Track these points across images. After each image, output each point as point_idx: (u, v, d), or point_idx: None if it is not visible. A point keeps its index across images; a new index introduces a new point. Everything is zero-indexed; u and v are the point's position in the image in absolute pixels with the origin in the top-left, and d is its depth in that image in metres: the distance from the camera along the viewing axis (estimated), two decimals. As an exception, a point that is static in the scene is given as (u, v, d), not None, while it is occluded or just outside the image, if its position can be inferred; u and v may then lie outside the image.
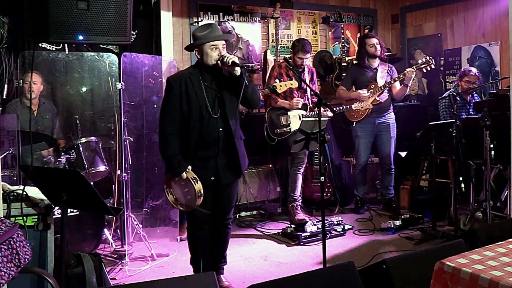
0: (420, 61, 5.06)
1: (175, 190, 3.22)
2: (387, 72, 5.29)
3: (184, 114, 3.17)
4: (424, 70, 5.06)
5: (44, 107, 4.52)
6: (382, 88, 5.15)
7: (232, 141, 3.23)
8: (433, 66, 5.00)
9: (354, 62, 6.40)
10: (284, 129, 4.98)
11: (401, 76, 5.07)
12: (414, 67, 5.05)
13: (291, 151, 4.96)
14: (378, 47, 5.25)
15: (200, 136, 3.17)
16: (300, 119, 4.91)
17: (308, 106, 5.09)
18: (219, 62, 3.13)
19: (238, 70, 3.09)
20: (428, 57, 5.01)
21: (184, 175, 3.12)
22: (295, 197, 5.09)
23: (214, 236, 3.41)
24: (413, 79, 5.19)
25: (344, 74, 5.85)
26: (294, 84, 4.84)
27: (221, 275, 3.52)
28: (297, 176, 5.11)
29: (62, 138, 4.48)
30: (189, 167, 3.14)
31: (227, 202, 3.38)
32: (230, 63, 3.07)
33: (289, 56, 5.31)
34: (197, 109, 3.15)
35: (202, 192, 3.08)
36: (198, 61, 3.26)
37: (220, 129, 3.20)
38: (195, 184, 3.07)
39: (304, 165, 5.17)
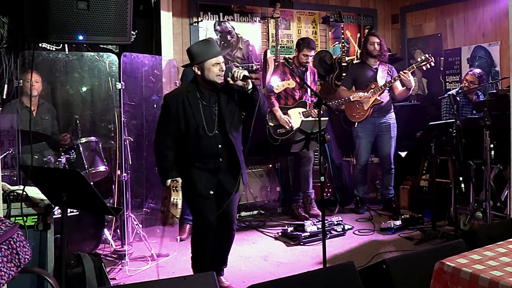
0: (419, 59, 5.06)
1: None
2: (387, 72, 5.30)
3: (182, 132, 3.20)
4: (424, 68, 5.06)
5: (43, 107, 4.52)
6: (383, 87, 5.16)
7: (233, 155, 3.25)
8: (432, 64, 5.00)
9: (355, 61, 6.42)
10: (287, 127, 5.02)
11: (396, 78, 5.08)
12: (407, 68, 5.09)
13: (291, 151, 4.99)
14: (377, 47, 5.25)
15: (199, 152, 3.21)
16: (300, 117, 4.95)
17: (307, 103, 5.11)
18: (229, 79, 3.13)
19: (250, 83, 3.12)
20: (427, 55, 5.01)
21: (169, 182, 3.15)
22: (309, 193, 5.27)
23: (218, 239, 3.41)
24: (415, 78, 5.20)
25: (344, 74, 5.85)
26: (292, 84, 4.86)
27: (221, 276, 3.52)
28: (308, 174, 5.24)
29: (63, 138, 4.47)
30: (179, 179, 3.17)
31: (230, 211, 3.37)
32: (241, 77, 3.09)
33: (293, 56, 5.32)
34: (194, 128, 3.18)
35: (177, 202, 3.08)
36: (197, 78, 3.23)
37: (219, 146, 3.22)
38: (173, 192, 3.08)
39: (312, 162, 5.25)
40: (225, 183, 3.27)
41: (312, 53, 5.11)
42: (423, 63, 4.98)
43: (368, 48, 5.30)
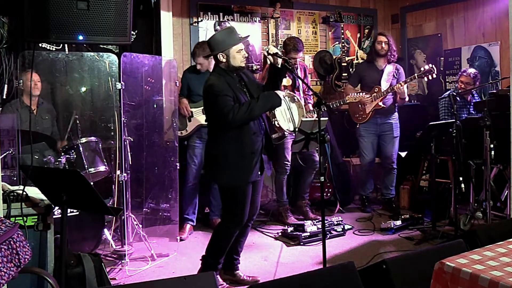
0: (422, 69, 5.03)
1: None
2: (394, 75, 5.27)
3: None
4: (426, 79, 5.06)
5: (42, 107, 4.52)
6: (385, 93, 5.14)
7: (264, 137, 3.37)
8: (434, 76, 4.96)
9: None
10: (279, 133, 4.88)
11: (394, 88, 5.07)
12: (408, 78, 5.10)
13: (291, 151, 4.97)
14: (385, 46, 5.23)
15: (251, 137, 3.26)
16: (286, 107, 4.74)
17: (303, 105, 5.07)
18: (265, 52, 3.44)
19: (278, 61, 3.30)
20: (431, 65, 4.98)
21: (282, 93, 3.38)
22: (285, 202, 5.15)
23: (244, 229, 3.48)
24: (414, 83, 5.18)
25: (344, 74, 5.86)
26: (288, 82, 4.81)
27: (239, 271, 3.58)
28: (283, 183, 5.13)
29: (62, 139, 4.48)
30: None
31: (259, 199, 3.50)
32: (272, 53, 3.29)
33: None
34: None
35: None
36: (220, 65, 3.28)
37: (261, 130, 3.34)
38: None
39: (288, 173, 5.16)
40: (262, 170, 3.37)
41: (300, 54, 5.02)
42: (426, 74, 4.97)
43: (376, 48, 5.29)
